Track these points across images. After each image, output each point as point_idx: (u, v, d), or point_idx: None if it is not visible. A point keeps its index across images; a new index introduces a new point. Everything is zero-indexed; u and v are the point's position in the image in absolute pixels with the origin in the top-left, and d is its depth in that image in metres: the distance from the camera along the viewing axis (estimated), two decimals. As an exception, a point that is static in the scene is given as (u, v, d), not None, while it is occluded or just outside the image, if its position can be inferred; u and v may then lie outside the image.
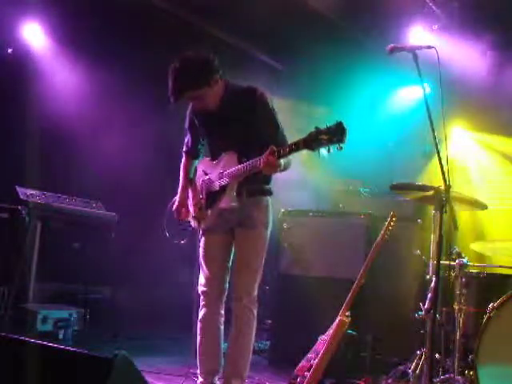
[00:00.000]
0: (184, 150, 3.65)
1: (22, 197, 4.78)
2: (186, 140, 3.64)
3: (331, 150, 2.74)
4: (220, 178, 3.30)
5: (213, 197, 3.36)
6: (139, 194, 6.03)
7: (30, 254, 4.83)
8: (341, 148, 2.71)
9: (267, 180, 3.38)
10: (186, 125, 3.58)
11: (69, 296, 5.47)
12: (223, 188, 3.28)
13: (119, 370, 1.68)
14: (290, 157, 3.17)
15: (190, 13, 5.76)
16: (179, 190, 3.60)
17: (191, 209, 3.52)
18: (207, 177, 3.43)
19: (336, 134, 2.69)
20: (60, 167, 5.84)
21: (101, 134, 5.99)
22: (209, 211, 3.38)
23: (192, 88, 3.17)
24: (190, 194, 3.54)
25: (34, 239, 4.90)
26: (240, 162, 3.20)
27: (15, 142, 5.72)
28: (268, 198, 3.40)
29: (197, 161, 3.63)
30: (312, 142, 2.76)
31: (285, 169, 3.17)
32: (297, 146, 2.86)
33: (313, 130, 2.76)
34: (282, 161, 3.04)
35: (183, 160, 3.65)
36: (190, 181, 3.59)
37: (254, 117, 3.25)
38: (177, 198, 3.58)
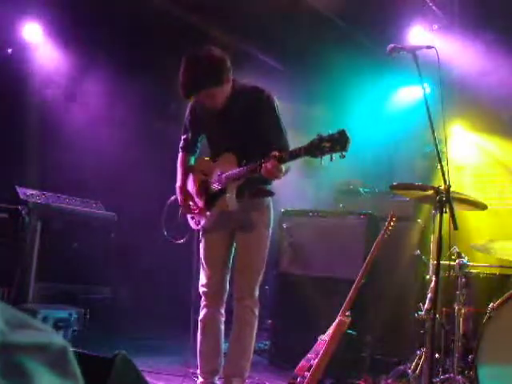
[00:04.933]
0: (182, 145, 3.60)
1: (22, 197, 4.77)
2: (184, 136, 3.59)
3: (334, 158, 2.74)
4: (219, 180, 3.28)
5: (212, 198, 3.35)
6: (139, 194, 6.02)
7: (29, 254, 4.83)
8: (343, 156, 2.71)
9: (268, 181, 3.38)
10: (187, 120, 3.54)
11: (69, 296, 5.46)
12: (222, 190, 3.27)
13: (119, 369, 1.68)
14: (289, 163, 3.16)
15: (189, 12, 5.76)
16: (179, 184, 3.52)
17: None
18: (206, 178, 3.42)
19: (339, 142, 2.68)
20: (60, 167, 5.84)
21: (101, 134, 5.99)
22: (208, 213, 3.37)
23: (207, 87, 3.13)
24: (189, 191, 3.52)
25: (34, 239, 4.89)
26: (239, 165, 3.18)
27: (15, 141, 5.72)
28: (269, 198, 3.39)
29: (193, 157, 3.60)
30: (314, 149, 2.75)
31: (284, 174, 3.16)
32: (299, 153, 2.86)
33: (315, 137, 2.74)
34: (283, 166, 3.03)
35: (180, 155, 3.60)
36: (188, 174, 3.54)
37: (258, 118, 3.23)
38: (178, 193, 3.51)
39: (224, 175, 3.24)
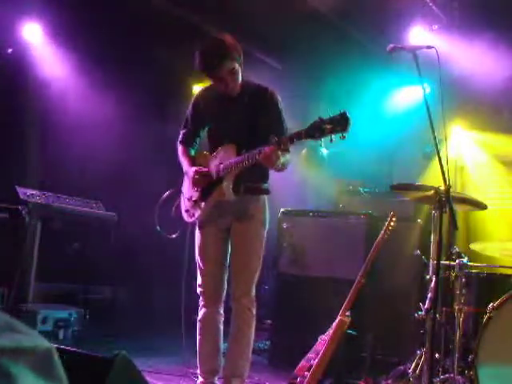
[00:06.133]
0: (180, 139, 3.57)
1: (22, 197, 4.77)
2: (184, 130, 3.56)
3: (334, 139, 2.75)
4: (217, 170, 3.27)
5: (208, 189, 3.32)
6: (139, 194, 6.02)
7: (30, 254, 4.83)
8: (343, 137, 2.71)
9: (265, 178, 3.37)
10: (190, 114, 3.52)
11: (69, 296, 5.46)
12: (220, 180, 3.26)
13: (119, 369, 1.68)
14: (288, 157, 3.17)
15: (188, 12, 5.76)
16: (187, 167, 3.44)
17: (184, 202, 3.49)
18: (205, 169, 3.39)
19: (340, 123, 2.69)
20: (60, 167, 5.84)
21: (101, 134, 5.99)
22: (203, 203, 3.34)
23: (233, 57, 3.17)
24: (184, 187, 3.50)
25: (34, 239, 4.89)
26: (238, 155, 3.18)
27: (15, 142, 5.72)
28: (265, 197, 3.39)
29: (193, 150, 3.58)
30: (315, 131, 2.76)
31: (283, 167, 3.15)
32: (299, 136, 2.85)
33: (316, 119, 2.76)
34: (282, 158, 3.03)
35: (180, 148, 3.55)
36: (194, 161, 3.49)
37: (261, 115, 3.25)
38: (191, 170, 3.38)
39: (222, 165, 3.24)
